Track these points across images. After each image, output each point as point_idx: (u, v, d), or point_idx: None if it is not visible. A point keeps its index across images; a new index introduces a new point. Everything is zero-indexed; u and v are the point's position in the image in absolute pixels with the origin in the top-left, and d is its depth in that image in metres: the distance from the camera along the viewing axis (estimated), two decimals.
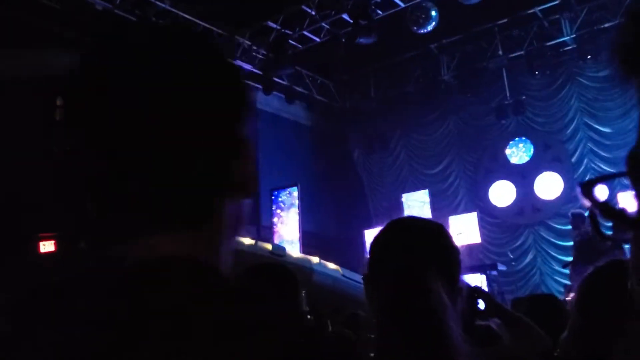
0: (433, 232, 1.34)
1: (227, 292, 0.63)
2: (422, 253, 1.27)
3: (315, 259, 9.21)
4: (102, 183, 0.67)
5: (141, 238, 0.66)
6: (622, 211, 0.42)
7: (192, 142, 0.67)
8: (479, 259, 13.43)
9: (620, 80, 0.45)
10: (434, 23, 10.74)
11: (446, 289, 1.19)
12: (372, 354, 1.34)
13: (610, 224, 0.44)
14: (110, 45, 0.71)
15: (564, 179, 13.16)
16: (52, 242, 8.23)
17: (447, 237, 1.34)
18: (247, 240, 8.67)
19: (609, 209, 0.43)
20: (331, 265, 9.22)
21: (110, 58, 0.69)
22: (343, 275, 8.93)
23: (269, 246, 8.91)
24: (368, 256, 1.36)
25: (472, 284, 2.32)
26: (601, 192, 0.44)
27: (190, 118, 0.67)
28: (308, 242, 13.56)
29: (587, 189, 0.45)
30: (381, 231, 1.38)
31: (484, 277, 11.01)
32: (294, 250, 10.95)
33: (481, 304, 2.05)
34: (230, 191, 0.71)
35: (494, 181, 14.24)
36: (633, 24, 0.45)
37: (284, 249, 9.25)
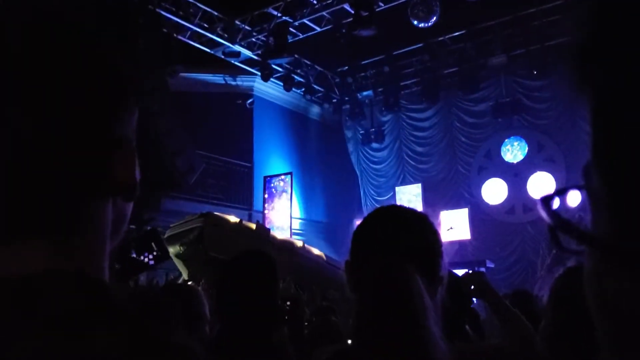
0: (414, 222, 1.34)
1: (61, 317, 0.56)
2: (403, 243, 1.28)
3: (299, 243, 9.24)
4: None
5: None
6: (578, 226, 0.41)
7: (53, 140, 0.60)
8: (468, 255, 13.52)
9: (570, 88, 0.41)
10: (435, 18, 10.73)
11: (426, 280, 1.19)
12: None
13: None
14: None
15: (556, 180, 13.23)
16: None
17: (429, 227, 1.34)
18: (232, 219, 8.67)
19: (565, 223, 0.42)
20: (315, 251, 9.27)
21: None
22: (327, 262, 8.98)
23: (252, 225, 8.92)
24: (351, 244, 1.36)
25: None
26: (562, 204, 0.45)
27: (52, 114, 0.60)
28: (298, 229, 13.60)
29: (546, 203, 0.44)
30: (365, 219, 1.38)
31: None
32: (284, 236, 10.97)
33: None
34: (105, 194, 0.65)
35: (487, 178, 14.30)
36: (593, 18, 0.41)
37: (268, 229, 9.27)
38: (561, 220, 0.42)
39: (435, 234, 1.33)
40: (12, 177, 0.59)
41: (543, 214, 0.44)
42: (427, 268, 1.25)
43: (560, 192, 0.44)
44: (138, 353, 0.56)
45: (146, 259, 2.11)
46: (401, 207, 1.43)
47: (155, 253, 2.12)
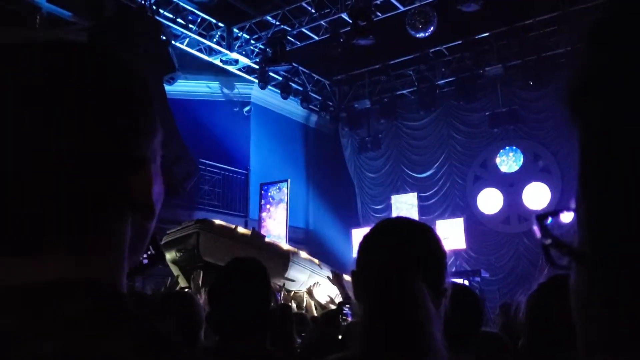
0: (420, 234, 1.36)
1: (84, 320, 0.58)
2: (409, 256, 1.29)
3: (293, 250, 9.26)
4: None
5: (15, 260, 0.62)
6: (568, 244, 0.45)
7: (76, 159, 0.62)
8: (463, 264, 13.54)
9: (564, 118, 0.45)
10: (432, 28, 10.79)
11: (431, 291, 1.20)
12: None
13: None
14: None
15: (551, 190, 13.27)
16: None
17: (434, 239, 1.36)
18: (227, 225, 8.69)
19: (556, 240, 0.45)
20: (309, 258, 9.29)
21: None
22: (321, 268, 8.99)
23: (248, 232, 8.94)
24: (357, 254, 1.38)
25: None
26: (561, 222, 0.48)
27: (77, 133, 0.62)
28: (295, 238, 13.58)
29: (542, 221, 0.47)
30: (371, 230, 1.39)
31: (466, 282, 11.09)
32: (279, 243, 10.97)
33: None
34: (127, 212, 0.67)
35: (482, 188, 14.34)
36: (590, 49, 0.44)
37: (263, 236, 9.28)
38: (553, 237, 0.46)
39: (439, 246, 1.35)
40: (35, 191, 0.61)
41: (536, 230, 0.47)
42: (432, 280, 1.26)
43: (554, 213, 0.48)
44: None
45: (140, 258, 2.12)
46: (406, 219, 1.44)
47: (149, 252, 2.13)
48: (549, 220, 0.47)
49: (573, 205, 0.46)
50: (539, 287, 1.71)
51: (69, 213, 0.62)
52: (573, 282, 0.47)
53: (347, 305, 4.57)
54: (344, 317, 4.49)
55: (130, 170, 0.66)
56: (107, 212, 0.65)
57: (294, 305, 7.73)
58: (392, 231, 1.38)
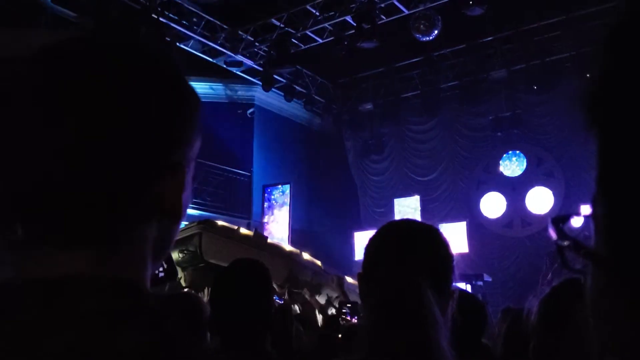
0: (427, 236, 1.35)
1: (111, 313, 0.60)
2: (415, 259, 1.29)
3: (296, 250, 9.26)
4: (16, 194, 0.64)
5: (43, 254, 0.63)
6: (586, 246, 0.46)
7: (118, 163, 0.64)
8: (466, 268, 13.51)
9: (583, 127, 0.45)
10: (436, 31, 10.79)
11: (437, 294, 1.20)
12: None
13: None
14: (57, 54, 0.67)
15: (555, 195, 13.24)
16: None
17: (440, 241, 1.35)
18: (230, 226, 8.69)
19: (578, 245, 0.46)
20: (311, 259, 9.30)
21: (54, 66, 0.66)
22: (323, 270, 9.00)
23: (250, 233, 8.95)
24: (363, 257, 1.37)
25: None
26: (572, 226, 0.48)
27: (120, 139, 0.64)
28: (297, 241, 13.58)
29: (558, 224, 0.48)
30: (377, 232, 1.39)
31: (469, 286, 11.07)
32: (281, 244, 10.97)
33: None
34: (155, 215, 0.68)
35: (485, 192, 14.31)
36: (608, 53, 0.45)
37: (265, 237, 9.29)
38: (571, 239, 0.46)
39: (446, 249, 1.34)
40: (68, 190, 0.63)
41: (552, 233, 0.48)
42: (439, 282, 1.26)
43: (568, 216, 0.48)
44: (158, 356, 0.58)
45: (157, 272, 2.13)
46: (413, 221, 1.44)
47: (164, 267, 2.15)
48: (566, 222, 0.47)
49: (583, 210, 0.47)
50: (553, 290, 1.70)
51: (100, 212, 0.64)
52: (589, 284, 0.47)
53: (347, 305, 4.58)
54: (343, 318, 4.49)
55: (164, 175, 0.67)
56: (137, 213, 0.67)
57: (296, 307, 7.73)
58: (398, 234, 1.37)
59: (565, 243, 0.47)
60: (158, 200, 0.67)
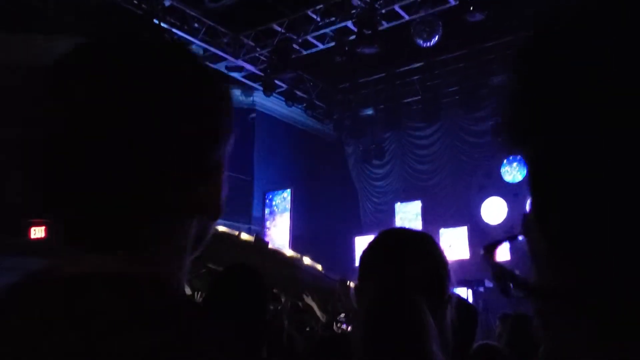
0: (420, 244, 1.34)
1: (147, 314, 0.60)
2: (407, 268, 1.28)
3: (296, 255, 9.27)
4: (59, 190, 0.65)
5: (77, 254, 0.64)
6: (524, 278, 0.44)
7: (161, 163, 0.64)
8: (467, 274, 13.46)
9: (506, 146, 0.44)
10: (437, 37, 10.80)
11: (433, 302, 1.19)
12: None
13: None
14: (97, 53, 0.68)
15: None
16: (43, 228, 8.20)
17: (434, 248, 1.34)
18: (230, 231, 8.69)
19: (510, 275, 0.44)
20: (312, 264, 9.30)
21: (93, 66, 0.67)
22: (324, 274, 9.00)
23: (251, 238, 8.95)
24: (358, 268, 1.37)
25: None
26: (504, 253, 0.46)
27: (163, 138, 0.64)
28: (298, 246, 13.57)
29: (489, 252, 0.46)
30: (371, 242, 1.38)
31: (470, 292, 11.04)
32: (282, 249, 10.96)
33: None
34: (194, 214, 0.69)
35: (486, 197, 14.30)
36: (521, 80, 0.43)
37: (266, 242, 9.30)
38: (503, 271, 0.45)
39: (441, 256, 1.34)
40: (112, 192, 0.64)
41: (486, 264, 0.46)
42: (434, 290, 1.26)
43: (504, 240, 0.47)
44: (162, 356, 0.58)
45: None
46: (406, 230, 1.44)
47: None
48: (496, 249, 0.46)
49: (519, 230, 0.45)
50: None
51: (142, 211, 0.65)
52: (539, 320, 0.46)
53: (343, 313, 4.56)
54: (339, 326, 4.47)
55: (205, 174, 0.69)
56: (178, 212, 0.68)
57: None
58: (391, 243, 1.37)
59: (499, 274, 0.45)
60: (198, 198, 0.68)
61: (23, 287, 0.63)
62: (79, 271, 0.62)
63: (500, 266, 0.45)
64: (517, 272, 0.44)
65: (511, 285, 0.44)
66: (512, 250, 0.44)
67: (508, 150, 0.44)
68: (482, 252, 0.46)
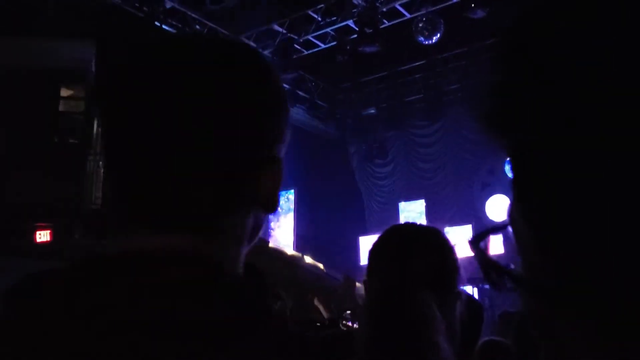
0: (428, 239, 1.34)
1: (214, 288, 0.63)
2: (414, 262, 1.27)
3: (298, 254, 9.29)
4: (127, 177, 0.69)
5: (144, 234, 0.68)
6: (508, 268, 0.43)
7: (229, 157, 0.68)
8: (472, 271, 13.44)
9: (486, 140, 0.42)
10: (439, 35, 10.79)
11: (441, 296, 1.19)
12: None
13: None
14: (156, 52, 0.72)
15: None
16: (48, 232, 8.23)
17: (443, 243, 1.34)
18: None
19: (495, 265, 0.44)
20: (314, 263, 9.32)
21: (155, 66, 0.70)
22: (326, 273, 9.02)
23: None
24: (367, 261, 1.37)
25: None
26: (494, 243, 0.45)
27: (231, 134, 0.68)
28: (303, 247, 13.58)
29: (476, 244, 0.45)
30: (379, 237, 1.38)
31: (475, 290, 11.03)
32: (284, 248, 10.96)
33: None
34: (254, 206, 0.73)
35: (491, 195, 14.27)
36: (502, 71, 0.42)
37: (267, 241, 9.33)
38: (490, 263, 0.44)
39: (450, 250, 1.34)
40: (178, 183, 0.67)
41: (474, 256, 0.46)
42: (441, 284, 1.25)
43: (490, 231, 0.46)
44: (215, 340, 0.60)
45: None
46: (414, 225, 1.43)
47: None
48: (484, 239, 0.45)
49: (504, 222, 0.44)
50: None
51: (207, 200, 0.68)
52: (526, 310, 0.45)
53: (348, 311, 4.56)
54: (344, 323, 4.47)
55: (265, 168, 0.72)
56: (239, 203, 0.71)
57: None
58: (399, 238, 1.37)
59: (486, 266, 0.44)
60: (258, 191, 0.71)
61: (94, 263, 0.65)
62: (154, 248, 0.65)
63: (487, 258, 0.44)
64: (512, 265, 0.43)
65: (498, 277, 0.43)
66: (506, 242, 0.42)
67: (489, 139, 0.43)
68: (469, 245, 0.45)
